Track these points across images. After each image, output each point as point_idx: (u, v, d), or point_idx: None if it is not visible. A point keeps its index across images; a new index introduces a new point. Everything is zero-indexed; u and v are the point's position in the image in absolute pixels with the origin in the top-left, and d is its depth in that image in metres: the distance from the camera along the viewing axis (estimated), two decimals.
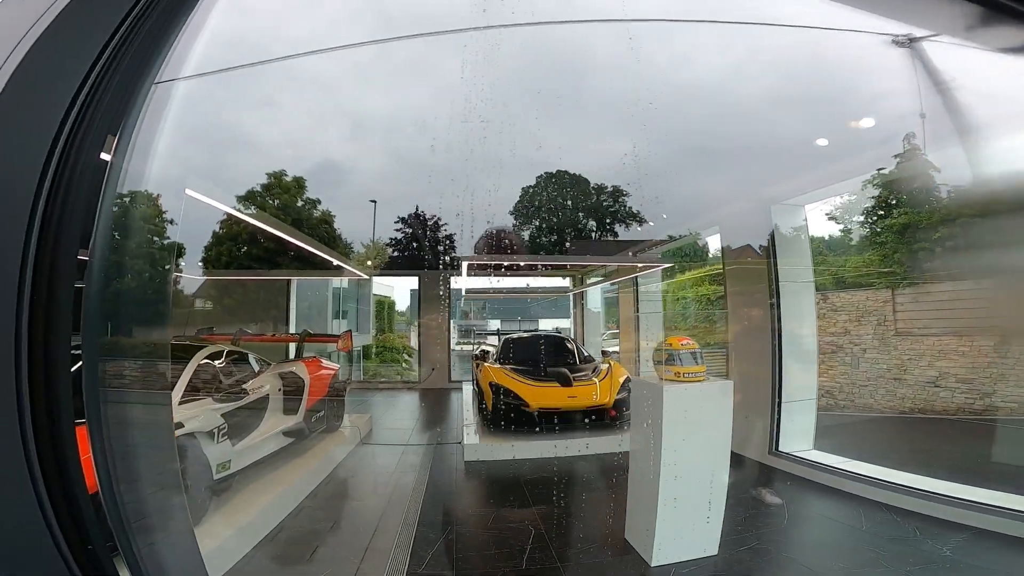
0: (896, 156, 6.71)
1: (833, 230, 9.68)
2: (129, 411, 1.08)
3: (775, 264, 5.29)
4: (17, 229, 0.69)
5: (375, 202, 12.08)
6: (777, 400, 5.24)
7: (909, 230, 8.07)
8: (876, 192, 8.43)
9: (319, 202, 11.22)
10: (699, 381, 3.38)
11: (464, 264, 7.99)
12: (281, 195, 10.66)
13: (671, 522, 3.34)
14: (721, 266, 7.67)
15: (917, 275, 8.04)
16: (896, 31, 3.83)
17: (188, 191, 3.83)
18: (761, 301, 5.38)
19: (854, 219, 9.11)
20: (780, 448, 5.25)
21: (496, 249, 8.40)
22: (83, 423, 0.94)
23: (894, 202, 8.41)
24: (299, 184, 10.87)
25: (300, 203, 11.04)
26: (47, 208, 0.72)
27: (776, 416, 5.23)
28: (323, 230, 10.98)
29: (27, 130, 0.74)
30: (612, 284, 11.29)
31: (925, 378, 7.74)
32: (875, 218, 8.75)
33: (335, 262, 10.07)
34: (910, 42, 3.84)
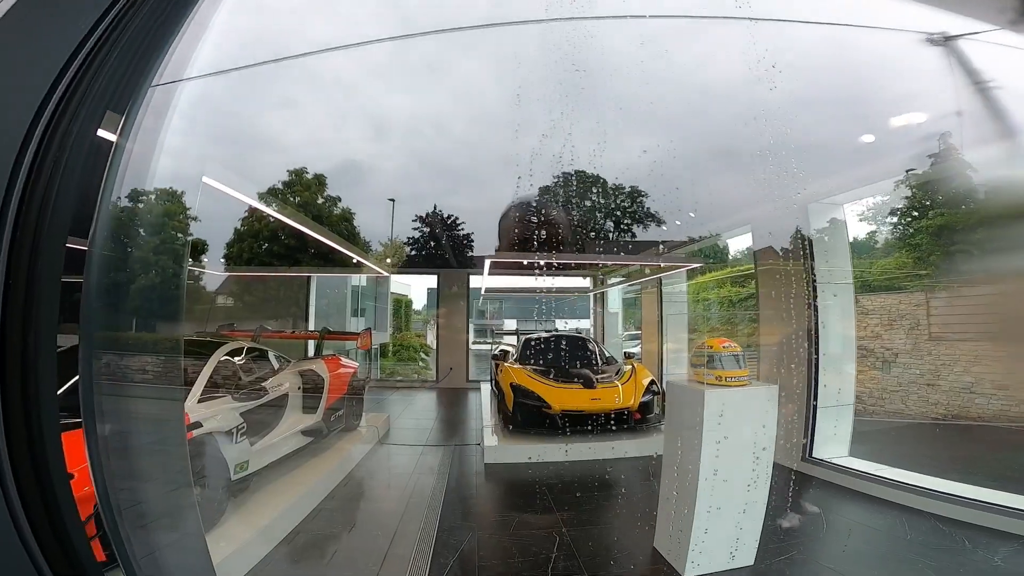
0: (931, 156, 6.50)
1: (858, 232, 9.43)
2: (134, 409, 0.98)
3: (812, 265, 5.12)
4: None
5: (393, 200, 12.05)
6: (813, 405, 5.06)
7: (946, 232, 7.80)
8: (909, 193, 8.18)
9: (339, 199, 11.23)
10: (742, 385, 3.23)
11: (487, 262, 7.87)
12: (302, 192, 10.67)
13: (707, 531, 3.19)
14: (751, 267, 7.47)
15: (953, 278, 7.78)
16: (932, 25, 3.68)
17: (205, 178, 3.77)
18: (796, 303, 5.20)
19: (887, 220, 8.84)
20: (814, 454, 5.06)
21: (529, 226, 8.08)
22: (78, 423, 0.84)
23: (928, 203, 8.14)
24: (319, 181, 10.88)
25: (320, 200, 11.04)
26: (27, 185, 0.60)
27: (811, 421, 5.04)
28: (343, 227, 10.97)
29: (6, 92, 0.62)
30: (632, 284, 11.12)
31: (960, 384, 7.49)
32: (909, 219, 8.49)
33: (356, 259, 10.05)
34: (945, 40, 3.68)
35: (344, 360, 6.52)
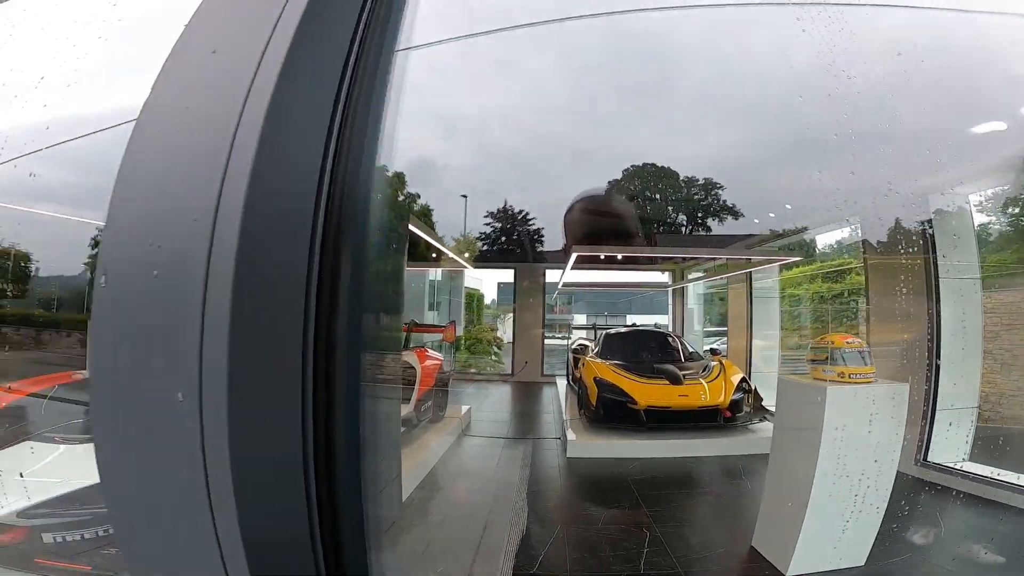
0: None
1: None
2: (373, 404, 1.02)
3: (935, 258, 4.78)
4: (303, 227, 0.63)
5: (466, 196, 12.19)
6: (931, 407, 4.73)
7: None
8: None
9: (418, 196, 11.46)
10: (868, 383, 3.06)
11: (572, 255, 7.80)
12: (384, 189, 10.98)
13: (817, 531, 3.08)
14: (853, 260, 7.03)
15: None
16: None
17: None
18: (915, 299, 4.86)
19: (1008, 211, 8.06)
20: (930, 458, 4.73)
21: (597, 221, 7.98)
22: None
23: None
24: (400, 179, 11.14)
25: (401, 197, 11.32)
26: (328, 209, 0.66)
27: (929, 424, 4.72)
28: (424, 223, 11.21)
29: (301, 132, 0.66)
30: (715, 279, 10.76)
31: None
32: None
33: (443, 251, 10.24)
34: None
35: (431, 352, 6.70)
